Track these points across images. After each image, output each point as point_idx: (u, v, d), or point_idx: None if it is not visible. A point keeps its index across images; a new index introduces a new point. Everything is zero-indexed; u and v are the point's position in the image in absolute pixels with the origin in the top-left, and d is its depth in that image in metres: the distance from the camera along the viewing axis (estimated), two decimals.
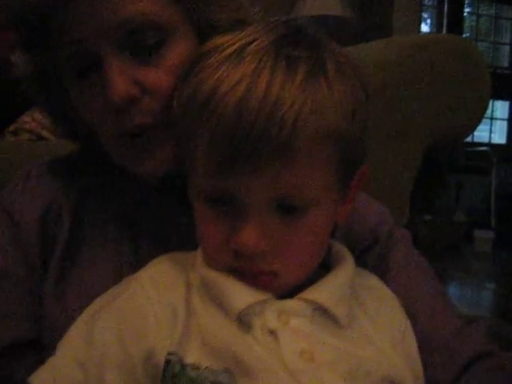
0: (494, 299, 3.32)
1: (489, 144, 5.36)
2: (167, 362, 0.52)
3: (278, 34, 0.54)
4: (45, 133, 1.27)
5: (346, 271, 0.59)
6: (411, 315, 0.64)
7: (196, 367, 0.51)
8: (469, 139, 5.09)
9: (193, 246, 0.61)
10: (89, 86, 0.64)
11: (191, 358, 0.52)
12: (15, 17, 0.63)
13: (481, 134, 5.43)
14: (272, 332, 0.53)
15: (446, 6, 5.12)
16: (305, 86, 0.50)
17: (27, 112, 1.34)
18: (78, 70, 0.64)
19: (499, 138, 5.59)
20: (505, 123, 5.57)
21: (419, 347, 0.62)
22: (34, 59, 0.69)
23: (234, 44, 0.54)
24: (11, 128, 1.33)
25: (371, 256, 0.73)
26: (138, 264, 0.63)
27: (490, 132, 5.54)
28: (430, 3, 5.28)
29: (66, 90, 0.68)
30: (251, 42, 0.53)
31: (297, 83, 0.50)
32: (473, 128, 1.26)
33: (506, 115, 5.56)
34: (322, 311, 0.56)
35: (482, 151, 5.00)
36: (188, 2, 0.65)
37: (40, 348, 0.66)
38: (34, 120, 1.30)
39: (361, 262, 0.68)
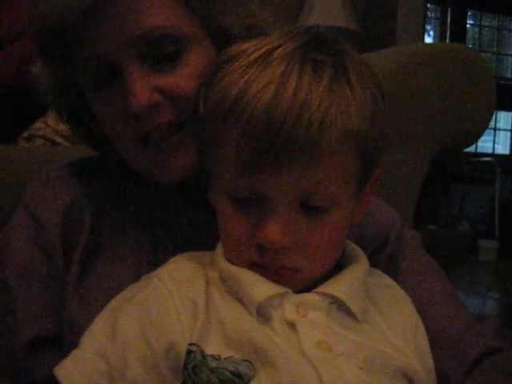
0: (499, 308, 3.32)
1: (492, 154, 5.36)
2: (188, 352, 0.54)
3: (303, 39, 0.57)
4: (58, 139, 1.29)
5: (360, 269, 0.62)
6: (422, 313, 0.66)
7: (217, 358, 0.53)
8: (473, 150, 5.10)
9: (210, 248, 0.64)
10: (109, 94, 0.66)
11: (212, 349, 0.54)
12: (37, 32, 0.66)
13: (484, 144, 5.44)
14: (291, 324, 0.56)
15: (448, 18, 5.16)
16: (330, 89, 0.53)
17: (40, 118, 1.35)
18: (99, 80, 0.66)
19: (503, 148, 5.60)
20: (508, 134, 5.58)
21: (430, 343, 0.64)
22: (54, 71, 0.71)
23: (261, 49, 0.56)
24: (25, 134, 1.35)
25: (382, 256, 0.75)
26: (156, 264, 0.65)
27: (494, 143, 5.54)
28: (433, 15, 5.32)
29: (85, 99, 0.71)
30: (277, 47, 0.56)
31: (323, 86, 0.53)
32: (478, 136, 1.28)
33: (509, 126, 5.57)
34: (338, 305, 0.58)
35: (486, 161, 5.00)
36: (203, 11, 0.67)
37: (61, 344, 0.68)
38: (47, 126, 1.32)
39: (372, 262, 0.70)
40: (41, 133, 1.32)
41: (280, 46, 0.56)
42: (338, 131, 0.53)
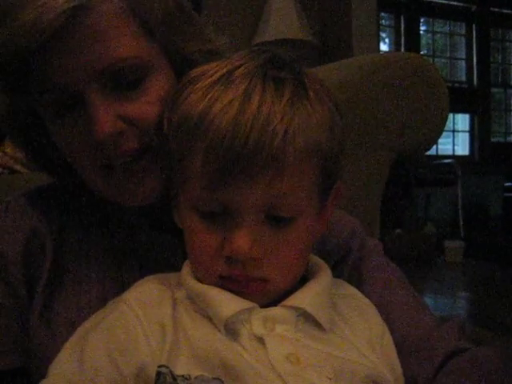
0: (468, 307, 3.38)
1: (453, 156, 5.49)
2: (158, 374, 0.53)
3: (263, 59, 0.59)
4: (18, 166, 1.27)
5: (324, 280, 0.63)
6: (387, 319, 0.67)
7: (187, 377, 0.53)
8: (433, 152, 5.22)
9: (175, 269, 0.64)
10: (70, 122, 0.66)
11: (181, 369, 0.54)
12: None
13: (444, 146, 5.57)
14: (259, 339, 0.56)
15: (402, 25, 5.27)
16: (292, 104, 0.55)
17: None
18: (59, 108, 0.66)
19: (462, 149, 5.74)
20: (466, 135, 5.72)
21: (397, 349, 0.65)
22: (11, 100, 0.70)
23: (222, 69, 0.58)
24: None
25: (345, 266, 0.77)
26: (122, 288, 0.64)
27: (453, 144, 5.68)
28: (387, 23, 5.43)
29: (43, 126, 0.70)
30: (239, 67, 0.58)
31: (285, 101, 0.55)
32: (434, 141, 1.30)
33: (466, 127, 5.72)
34: (305, 317, 0.59)
35: (447, 163, 5.11)
36: (164, 38, 0.68)
37: (27, 377, 0.67)
38: (5, 154, 1.30)
39: (336, 272, 0.71)
40: None
41: (241, 65, 0.58)
42: (301, 143, 0.55)
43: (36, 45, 0.60)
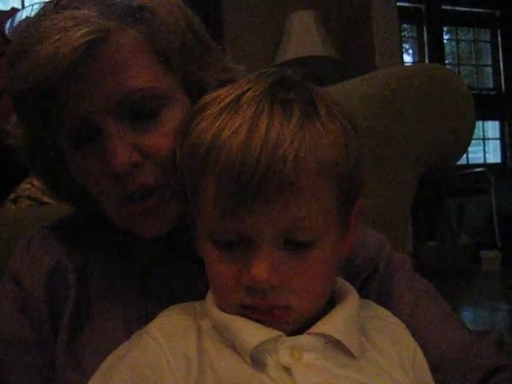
0: (509, 318, 3.28)
1: (484, 164, 5.39)
2: None
3: (270, 81, 0.58)
4: (45, 198, 1.28)
5: (351, 304, 0.61)
6: (420, 338, 0.65)
7: None
8: (464, 161, 5.13)
9: (200, 297, 0.63)
10: (88, 153, 0.66)
11: None
12: (16, 92, 0.65)
13: (475, 155, 5.47)
14: (286, 368, 0.55)
15: (425, 36, 5.24)
16: (301, 125, 0.54)
17: (26, 179, 1.35)
18: (77, 139, 0.66)
19: (493, 157, 5.63)
20: (498, 142, 5.62)
21: (432, 369, 0.63)
22: (30, 131, 0.71)
23: (231, 94, 0.58)
24: (11, 196, 1.35)
25: (373, 285, 0.74)
26: (147, 317, 0.64)
27: (484, 152, 5.58)
28: (409, 34, 5.40)
29: (61, 158, 0.71)
30: (246, 91, 0.57)
31: (294, 123, 0.54)
32: (463, 151, 1.28)
33: (497, 134, 5.62)
34: (333, 344, 0.57)
35: (479, 172, 5.02)
36: (182, 69, 0.68)
37: None
38: (33, 186, 1.32)
39: (364, 291, 0.69)
40: (27, 193, 1.32)
41: (249, 89, 0.57)
42: (313, 165, 0.53)
43: (54, 77, 0.61)
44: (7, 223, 1.11)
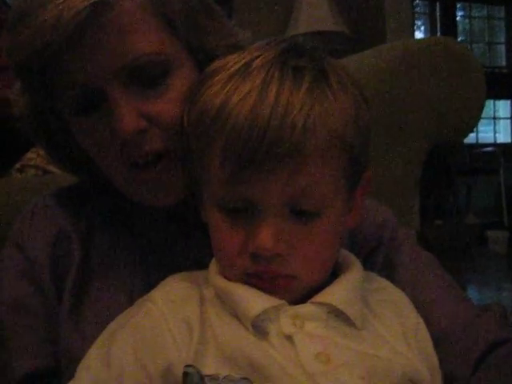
0: None
1: (494, 144, 5.35)
2: (185, 374, 0.52)
3: (281, 48, 0.57)
4: (51, 167, 1.28)
5: (355, 275, 0.61)
6: (423, 311, 0.65)
7: (214, 377, 0.52)
8: (474, 140, 5.09)
9: (203, 267, 0.63)
10: (93, 120, 0.65)
11: (209, 368, 0.53)
12: (18, 60, 0.64)
13: (485, 134, 5.43)
14: (288, 337, 0.55)
15: (438, 12, 5.16)
16: (311, 93, 0.53)
17: (32, 149, 1.35)
18: (82, 106, 0.65)
19: (504, 137, 5.59)
20: (508, 122, 5.57)
21: (434, 342, 0.63)
22: (33, 99, 0.71)
23: (240, 61, 0.57)
24: (17, 166, 1.35)
25: (377, 257, 0.74)
26: (150, 287, 0.64)
27: (495, 132, 5.53)
28: (422, 10, 5.32)
29: (66, 126, 0.70)
30: (256, 58, 0.56)
31: (304, 90, 0.53)
32: (471, 128, 1.26)
33: (508, 114, 5.56)
34: (335, 314, 0.57)
35: (489, 151, 4.99)
36: (187, 33, 0.67)
37: (58, 377, 0.67)
38: (39, 155, 1.32)
39: (368, 263, 0.69)
40: (33, 163, 1.32)
41: (259, 56, 0.56)
42: (322, 133, 0.53)
43: (57, 42, 0.60)
44: (13, 192, 1.11)
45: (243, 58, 0.57)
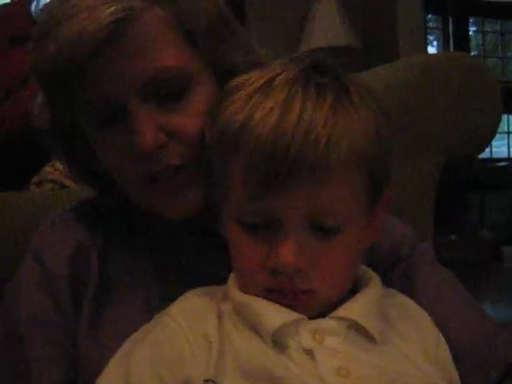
0: None
1: (508, 159, 5.31)
2: None
3: (304, 65, 0.58)
4: (67, 181, 1.29)
5: (374, 290, 0.61)
6: (442, 327, 0.64)
7: None
8: (487, 155, 5.06)
9: (221, 281, 0.63)
10: (113, 134, 0.66)
11: (228, 382, 0.53)
12: (43, 75, 0.65)
13: (499, 149, 5.40)
14: (308, 351, 0.55)
15: (450, 27, 5.16)
16: (335, 110, 0.54)
17: (49, 163, 1.37)
18: (102, 120, 0.66)
19: None
20: None
21: (454, 358, 0.62)
22: (56, 112, 0.71)
23: (263, 77, 0.58)
24: (34, 180, 1.36)
25: (395, 274, 0.74)
26: (166, 301, 0.64)
27: (509, 147, 5.50)
28: (434, 25, 5.33)
29: (85, 139, 0.70)
30: (279, 74, 0.57)
31: (327, 107, 0.54)
32: (487, 142, 1.26)
33: None
34: (355, 329, 0.57)
35: (502, 166, 4.95)
36: (208, 49, 0.68)
37: None
38: (55, 169, 1.33)
39: (386, 279, 0.69)
40: (50, 177, 1.33)
41: (281, 72, 0.57)
42: (345, 149, 0.53)
43: (81, 57, 0.61)
44: (31, 205, 1.13)
45: (266, 75, 0.58)
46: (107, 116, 0.65)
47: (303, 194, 0.53)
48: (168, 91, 0.65)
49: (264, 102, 0.54)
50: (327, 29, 2.97)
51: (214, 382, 0.53)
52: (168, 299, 0.64)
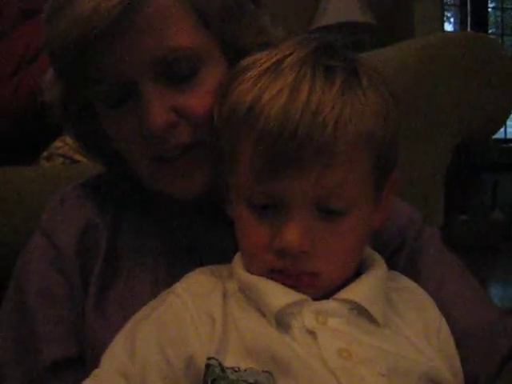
0: None
1: None
2: (207, 366, 0.53)
3: (313, 46, 0.58)
4: (78, 156, 1.30)
5: (378, 273, 0.61)
6: (445, 312, 0.64)
7: (236, 370, 0.53)
8: (501, 136, 5.00)
9: (227, 261, 0.64)
10: (123, 113, 0.66)
11: (231, 361, 0.53)
12: (55, 51, 0.65)
13: None
14: (311, 332, 0.55)
15: (468, 3, 5.06)
16: (343, 93, 0.54)
17: (59, 137, 1.37)
18: (113, 99, 0.66)
19: None
20: None
21: (457, 343, 0.62)
22: (66, 88, 0.71)
23: (272, 58, 0.57)
24: (45, 154, 1.37)
25: (401, 257, 0.74)
26: (173, 278, 0.64)
27: None
28: (452, 2, 5.23)
29: (95, 117, 0.71)
30: (288, 55, 0.57)
31: (335, 90, 0.54)
32: (501, 123, 1.25)
33: None
34: (358, 311, 0.57)
35: None
36: (220, 29, 0.68)
37: (83, 365, 0.68)
38: (66, 144, 1.34)
39: (391, 262, 0.69)
40: (60, 151, 1.34)
41: (291, 54, 0.57)
42: (353, 132, 0.53)
43: (94, 34, 0.60)
44: (41, 180, 1.13)
45: (275, 56, 0.57)
46: (118, 95, 0.65)
47: (310, 176, 0.53)
48: (179, 71, 0.65)
49: (273, 83, 0.54)
50: (342, 5, 2.93)
51: (216, 359, 0.53)
52: (175, 276, 0.65)
